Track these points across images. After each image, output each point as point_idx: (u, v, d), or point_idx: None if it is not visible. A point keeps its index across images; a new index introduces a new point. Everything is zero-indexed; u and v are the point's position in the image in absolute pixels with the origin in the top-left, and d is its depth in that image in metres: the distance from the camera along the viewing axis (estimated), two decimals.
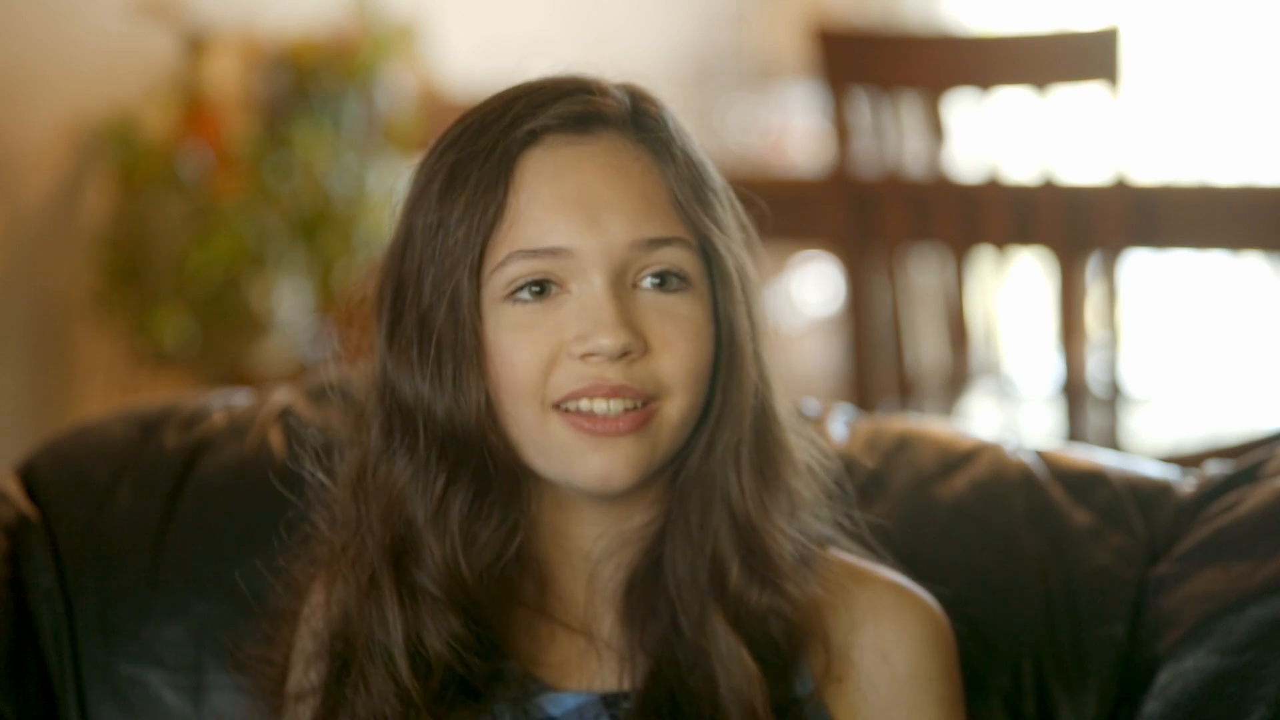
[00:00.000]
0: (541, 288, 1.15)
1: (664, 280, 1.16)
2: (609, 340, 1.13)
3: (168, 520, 1.48)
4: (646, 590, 1.19)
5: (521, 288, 1.15)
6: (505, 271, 1.15)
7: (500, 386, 1.15)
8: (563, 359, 1.14)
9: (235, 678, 1.31)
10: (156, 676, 1.44)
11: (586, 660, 1.20)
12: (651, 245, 1.15)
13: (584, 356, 1.14)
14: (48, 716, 1.43)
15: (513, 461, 1.17)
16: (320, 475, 1.25)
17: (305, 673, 1.22)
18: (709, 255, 1.18)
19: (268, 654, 1.27)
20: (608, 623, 1.20)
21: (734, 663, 1.16)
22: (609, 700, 1.19)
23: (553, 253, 1.14)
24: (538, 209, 1.15)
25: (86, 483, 1.51)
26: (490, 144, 1.16)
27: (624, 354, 1.13)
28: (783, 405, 1.22)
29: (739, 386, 1.18)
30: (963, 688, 1.25)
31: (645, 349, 1.15)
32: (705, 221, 1.18)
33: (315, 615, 1.23)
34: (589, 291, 1.14)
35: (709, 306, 1.17)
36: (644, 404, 1.14)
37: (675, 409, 1.16)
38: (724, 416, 1.18)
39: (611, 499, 1.18)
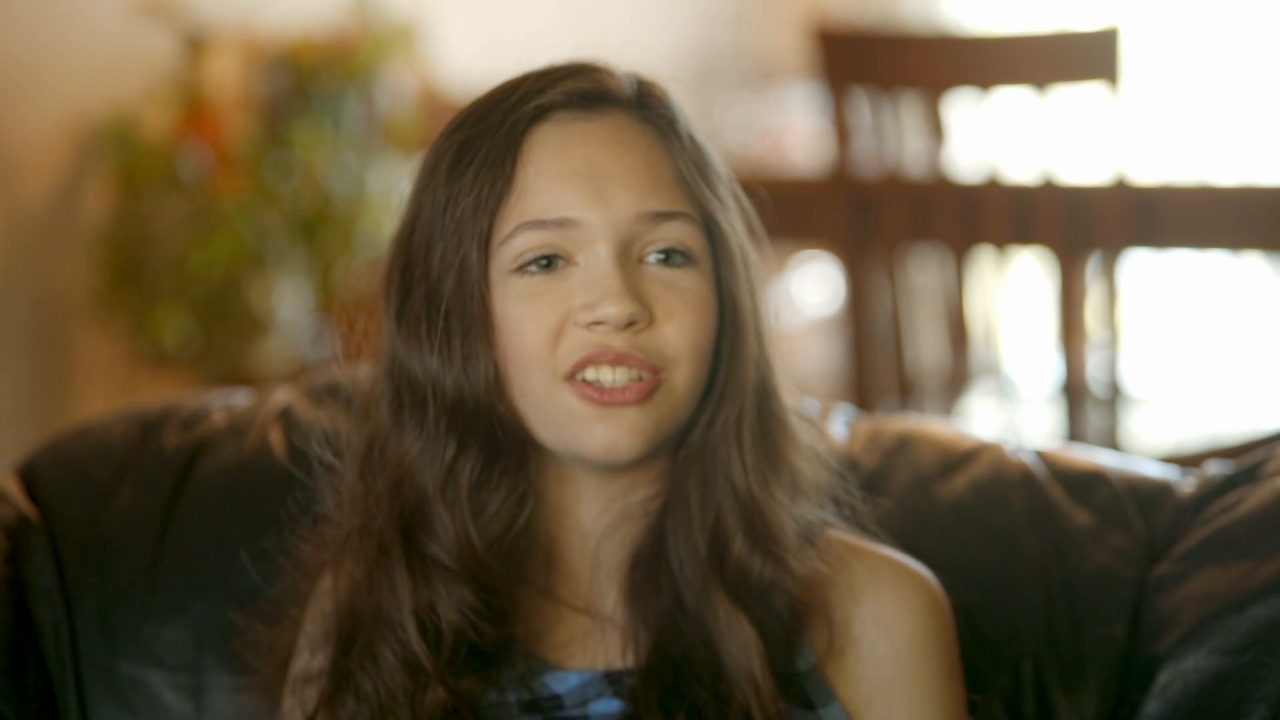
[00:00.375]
0: (549, 261, 1.17)
1: (669, 256, 1.18)
2: (615, 309, 1.14)
3: (168, 520, 1.48)
4: (650, 566, 1.20)
5: (530, 262, 1.17)
6: (513, 244, 1.17)
7: (509, 358, 1.17)
8: (570, 328, 1.16)
9: (240, 656, 1.31)
10: (156, 676, 1.44)
11: (590, 639, 1.21)
12: (657, 219, 1.17)
13: (590, 325, 1.15)
14: (48, 716, 1.43)
15: (521, 432, 1.19)
16: (329, 457, 1.27)
17: (312, 656, 1.23)
18: (713, 232, 1.20)
19: (274, 635, 1.28)
20: (611, 599, 1.21)
21: (733, 632, 1.17)
22: (612, 677, 1.20)
23: (560, 224, 1.16)
24: (545, 181, 1.17)
25: (86, 483, 1.51)
26: (499, 120, 1.19)
27: (630, 323, 1.15)
28: (784, 384, 1.24)
29: (741, 362, 1.20)
30: (960, 663, 1.25)
31: (651, 320, 1.16)
32: (710, 198, 1.20)
33: (324, 599, 1.24)
34: (595, 262, 1.16)
35: (713, 282, 1.19)
36: (650, 374, 1.16)
37: (680, 381, 1.17)
38: (726, 391, 1.20)
39: (615, 472, 1.19)
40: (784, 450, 1.23)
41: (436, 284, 1.18)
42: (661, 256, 1.18)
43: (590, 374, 1.15)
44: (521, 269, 1.17)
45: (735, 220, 1.22)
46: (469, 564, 1.17)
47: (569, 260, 1.17)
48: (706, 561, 1.18)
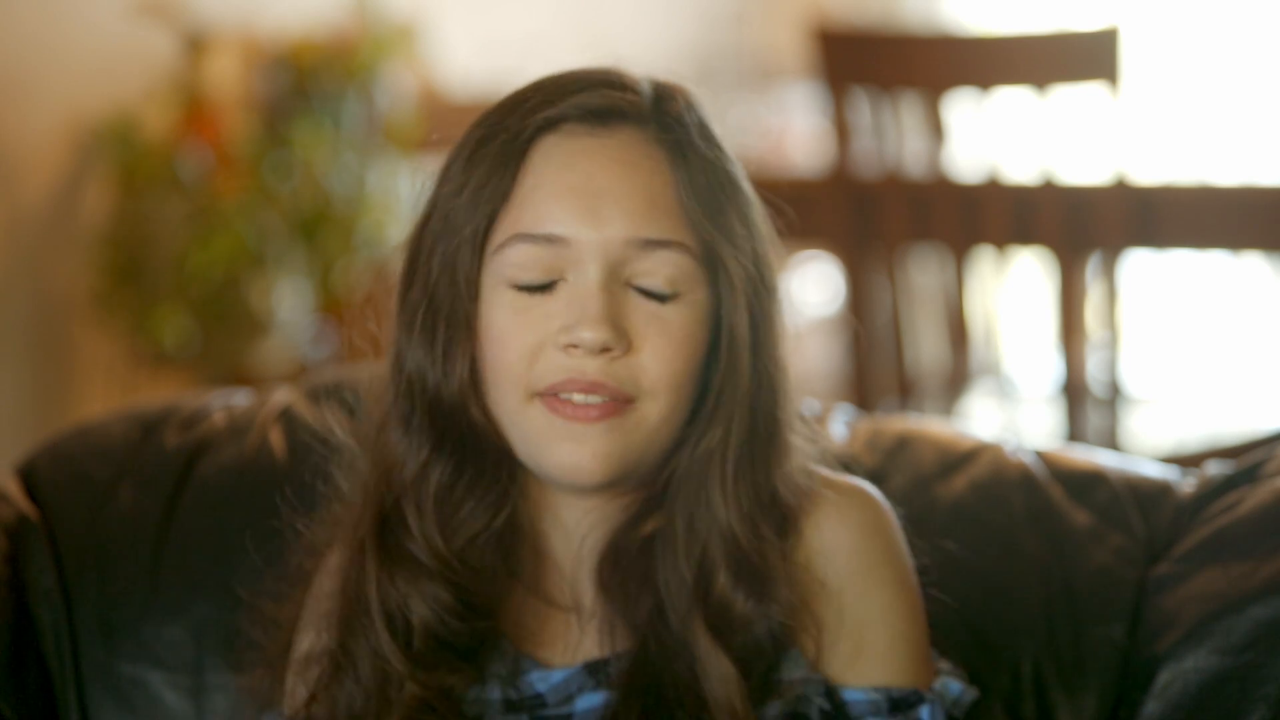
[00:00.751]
0: (541, 286, 1.16)
1: (654, 291, 1.16)
2: (591, 334, 1.14)
3: (168, 520, 1.48)
4: (628, 566, 1.19)
5: (522, 286, 1.16)
6: (505, 254, 1.16)
7: (487, 366, 1.17)
8: (547, 348, 1.15)
9: (245, 633, 1.31)
10: (157, 676, 1.44)
11: (572, 635, 1.21)
12: (648, 245, 1.16)
13: (566, 348, 1.15)
14: (48, 716, 1.43)
15: (495, 437, 1.18)
16: (344, 438, 1.27)
17: (318, 636, 1.23)
18: (714, 261, 1.18)
19: (279, 613, 1.28)
20: (590, 594, 1.21)
21: (713, 666, 1.16)
22: (592, 668, 1.19)
23: (549, 239, 1.16)
24: (542, 194, 1.16)
25: (86, 483, 1.51)
26: (512, 124, 1.18)
27: (604, 350, 1.14)
28: (790, 416, 1.22)
29: (731, 392, 1.19)
30: (912, 571, 1.23)
31: (628, 348, 1.15)
32: (710, 228, 1.18)
33: (328, 577, 1.24)
34: (582, 282, 1.15)
35: (704, 312, 1.18)
36: (622, 402, 1.15)
37: (653, 412, 1.16)
38: (714, 418, 1.19)
39: (585, 493, 1.19)
40: (777, 485, 1.20)
41: (432, 280, 1.18)
42: (647, 291, 1.16)
43: (562, 395, 1.15)
44: (513, 283, 1.16)
45: (741, 249, 1.19)
46: (438, 563, 1.17)
47: (560, 278, 1.16)
48: (693, 590, 1.17)
